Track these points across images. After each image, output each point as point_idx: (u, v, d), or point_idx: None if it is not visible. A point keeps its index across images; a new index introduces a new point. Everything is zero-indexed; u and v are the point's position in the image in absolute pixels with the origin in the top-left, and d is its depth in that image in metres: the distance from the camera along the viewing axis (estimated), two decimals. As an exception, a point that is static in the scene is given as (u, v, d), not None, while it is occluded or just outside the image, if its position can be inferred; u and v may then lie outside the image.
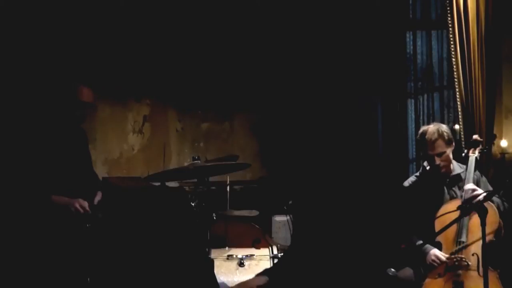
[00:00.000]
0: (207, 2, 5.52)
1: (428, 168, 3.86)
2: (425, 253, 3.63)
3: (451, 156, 3.81)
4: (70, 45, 5.00)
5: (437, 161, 3.74)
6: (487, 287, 2.98)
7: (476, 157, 3.82)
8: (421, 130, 3.84)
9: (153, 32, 5.40)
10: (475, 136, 4.00)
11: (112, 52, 5.23)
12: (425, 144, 3.77)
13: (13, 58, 4.73)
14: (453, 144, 3.82)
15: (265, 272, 3.55)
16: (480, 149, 3.90)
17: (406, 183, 3.96)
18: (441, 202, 3.74)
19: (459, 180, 3.82)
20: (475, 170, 3.77)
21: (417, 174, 3.97)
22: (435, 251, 3.61)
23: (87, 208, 3.62)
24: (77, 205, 3.59)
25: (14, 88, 4.71)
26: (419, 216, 3.76)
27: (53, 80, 4.63)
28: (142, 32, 5.35)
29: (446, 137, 3.75)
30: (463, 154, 3.94)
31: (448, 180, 3.83)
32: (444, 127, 3.80)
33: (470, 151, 3.88)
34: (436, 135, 3.73)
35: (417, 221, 3.77)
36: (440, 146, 3.73)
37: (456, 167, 3.86)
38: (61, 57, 4.92)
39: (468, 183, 3.68)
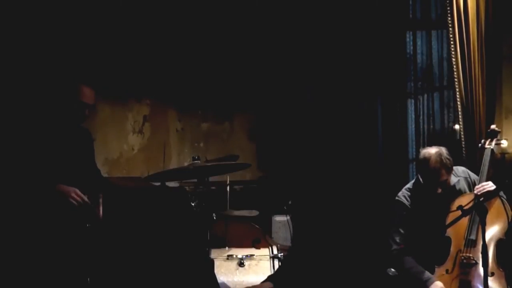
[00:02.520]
0: (206, 2, 5.52)
1: (422, 180, 3.75)
2: (428, 283, 3.51)
3: (451, 180, 3.73)
4: (70, 45, 5.00)
5: (439, 190, 3.65)
6: (486, 286, 2.98)
7: (492, 149, 3.73)
8: (422, 156, 3.69)
9: (153, 32, 5.39)
10: (493, 126, 3.91)
11: (112, 52, 5.23)
12: (427, 172, 3.67)
13: (14, 58, 4.72)
14: (453, 167, 3.72)
15: (269, 278, 3.55)
16: (497, 139, 3.80)
17: (401, 196, 3.83)
18: (435, 214, 3.65)
19: (453, 190, 3.73)
20: (489, 165, 3.66)
21: (410, 186, 3.85)
22: (440, 284, 3.48)
23: (86, 199, 3.51)
24: (73, 195, 3.48)
25: (14, 88, 4.70)
26: (414, 228, 3.70)
27: (54, 79, 4.62)
28: (142, 32, 5.35)
29: (449, 165, 3.65)
30: (479, 145, 3.87)
31: (442, 192, 3.71)
32: (445, 153, 3.66)
33: (487, 142, 3.79)
34: (439, 165, 3.62)
35: (411, 233, 3.71)
36: (443, 175, 3.64)
37: (452, 178, 3.75)
38: (61, 56, 4.91)
39: (482, 177, 3.62)
